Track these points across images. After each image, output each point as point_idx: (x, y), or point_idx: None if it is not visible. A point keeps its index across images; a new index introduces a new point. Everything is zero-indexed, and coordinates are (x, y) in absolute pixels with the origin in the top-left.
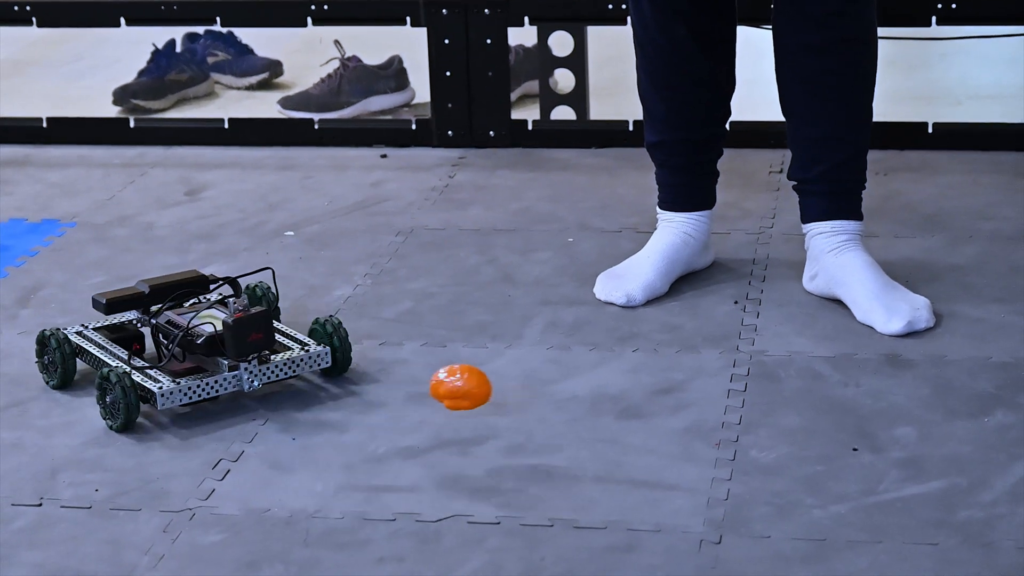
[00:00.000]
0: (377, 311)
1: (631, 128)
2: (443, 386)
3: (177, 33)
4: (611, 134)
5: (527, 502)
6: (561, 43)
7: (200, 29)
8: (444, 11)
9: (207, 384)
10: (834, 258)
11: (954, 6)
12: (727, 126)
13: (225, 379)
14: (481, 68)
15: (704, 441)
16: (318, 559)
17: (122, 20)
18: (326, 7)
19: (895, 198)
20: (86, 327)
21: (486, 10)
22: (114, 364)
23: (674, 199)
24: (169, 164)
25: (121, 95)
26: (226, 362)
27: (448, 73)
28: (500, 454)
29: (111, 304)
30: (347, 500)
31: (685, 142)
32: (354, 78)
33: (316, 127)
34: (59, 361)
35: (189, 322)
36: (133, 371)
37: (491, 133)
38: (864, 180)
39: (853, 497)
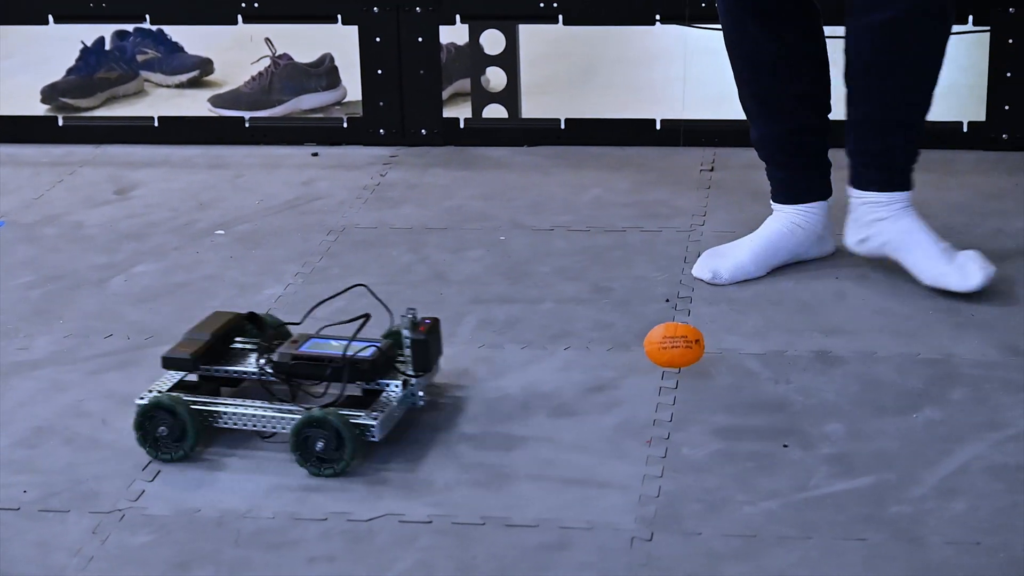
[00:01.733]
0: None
1: (563, 126)
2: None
3: (106, 31)
4: (543, 132)
5: (459, 500)
6: (493, 41)
7: (130, 27)
8: (376, 9)
9: (394, 409)
10: (891, 224)
11: None
12: (828, 117)
13: (405, 397)
14: (413, 66)
15: (636, 439)
16: (249, 559)
17: (50, 18)
18: (256, 5)
19: None
20: (160, 391)
21: (417, 8)
22: (310, 409)
23: (779, 192)
24: (98, 163)
25: (50, 93)
26: (393, 382)
27: (380, 71)
28: (432, 453)
29: (196, 358)
30: (278, 500)
31: (777, 136)
32: (285, 76)
33: (247, 125)
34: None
35: (346, 350)
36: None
37: (423, 131)
38: (918, 154)
39: (783, 493)
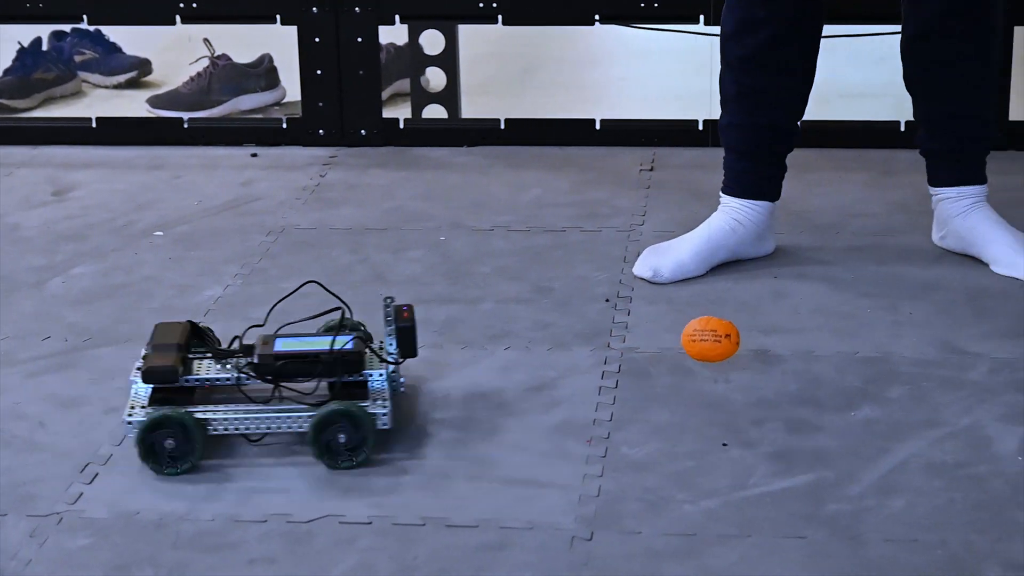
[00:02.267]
0: (248, 311)
1: (503, 126)
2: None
3: (43, 31)
4: (483, 132)
5: (399, 501)
6: (432, 41)
7: (67, 27)
8: (315, 9)
9: (384, 397)
10: (963, 220)
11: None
12: (799, 123)
13: (392, 384)
14: (352, 67)
15: (576, 438)
16: (188, 562)
17: None
18: (195, 5)
19: None
20: (151, 407)
21: (356, 8)
22: (335, 404)
23: (731, 182)
24: (36, 164)
25: None
26: (376, 371)
27: (319, 72)
28: (372, 453)
29: (177, 368)
30: (218, 502)
31: (749, 127)
32: (224, 77)
33: (186, 126)
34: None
35: (332, 345)
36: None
37: (362, 132)
38: (989, 147)
39: (723, 492)
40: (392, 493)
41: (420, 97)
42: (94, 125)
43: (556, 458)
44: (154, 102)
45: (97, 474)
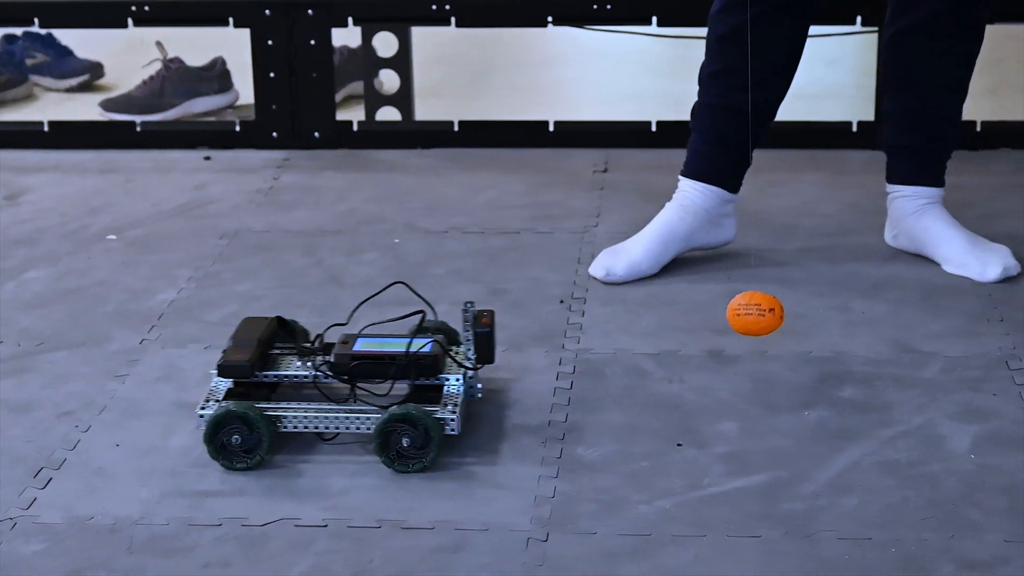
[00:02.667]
0: (202, 314)
1: (456, 128)
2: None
3: None
4: (437, 134)
5: (354, 504)
6: (385, 44)
7: (18, 31)
8: (267, 12)
9: (456, 402)
10: (916, 220)
11: None
12: (773, 116)
13: (466, 391)
14: (305, 69)
15: (531, 440)
16: (143, 566)
17: None
18: (147, 8)
19: None
20: (227, 404)
21: (310, 11)
22: (397, 407)
23: (688, 163)
24: None
25: None
26: (453, 376)
27: (272, 74)
28: (327, 456)
29: (253, 364)
30: (172, 506)
31: (719, 109)
32: (177, 80)
33: (138, 129)
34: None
35: (408, 346)
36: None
37: (316, 134)
38: (950, 153)
39: (678, 492)
40: (347, 495)
41: (374, 99)
42: (46, 129)
43: (511, 460)
44: (107, 105)
45: (51, 479)
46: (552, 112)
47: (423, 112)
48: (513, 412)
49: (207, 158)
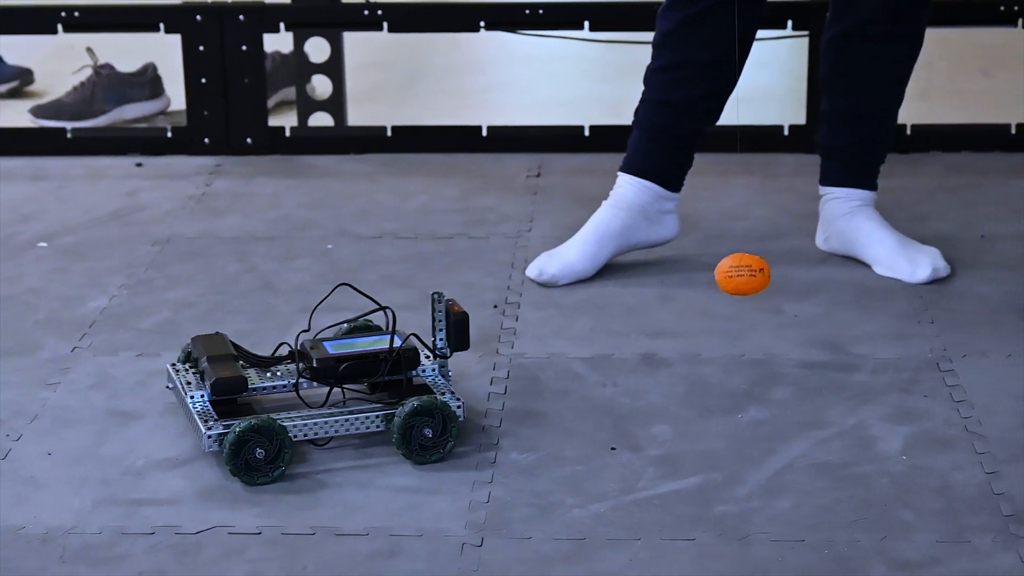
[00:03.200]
0: (134, 322)
1: (389, 134)
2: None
3: None
4: (369, 140)
5: (288, 511)
6: (318, 49)
7: None
8: (199, 17)
9: (452, 390)
10: (847, 221)
11: None
12: (714, 118)
13: (441, 377)
14: (237, 75)
15: (465, 444)
16: (76, 575)
17: None
18: (77, 14)
19: None
20: (233, 420)
21: (241, 16)
22: (415, 400)
23: (626, 159)
24: None
25: None
26: (429, 366)
27: (203, 80)
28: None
29: (239, 381)
30: (105, 515)
31: (660, 104)
32: (108, 86)
33: (69, 136)
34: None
35: (391, 342)
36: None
37: (248, 140)
38: (884, 155)
39: (612, 496)
40: (281, 503)
41: (306, 105)
42: None
43: (446, 465)
44: (37, 112)
45: None
46: (485, 117)
47: (356, 117)
48: None
49: (139, 164)
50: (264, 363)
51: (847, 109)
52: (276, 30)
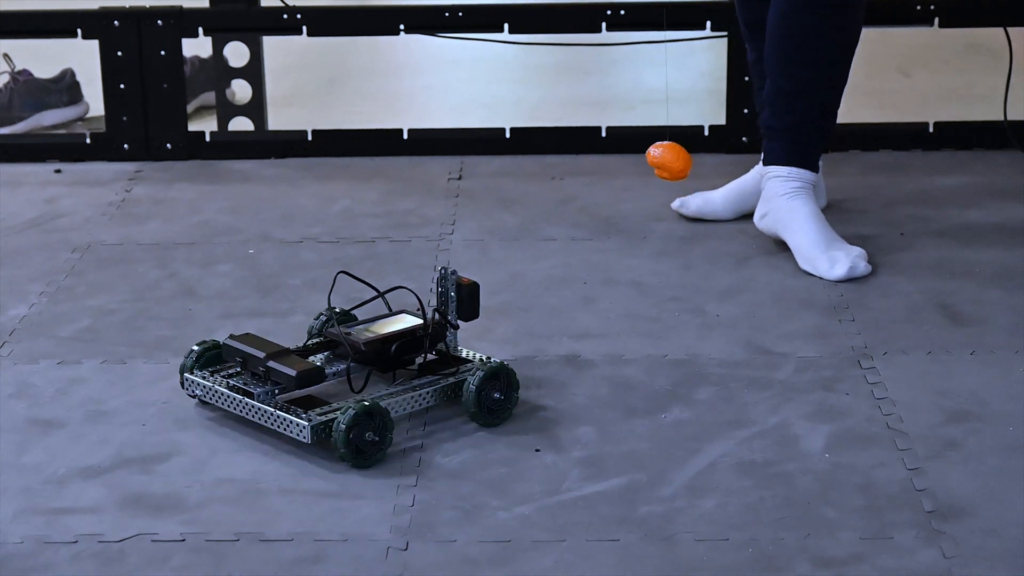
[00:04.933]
0: (54, 329)
1: (310, 138)
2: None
3: None
4: (290, 144)
5: (212, 517)
6: (237, 53)
7: None
8: (116, 23)
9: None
10: (786, 202)
11: (623, 12)
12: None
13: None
14: (156, 80)
15: (390, 448)
16: None
17: None
18: None
19: (571, 202)
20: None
21: (159, 21)
22: (483, 367)
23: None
24: None
25: None
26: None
27: (122, 86)
28: (183, 470)
29: (317, 372)
30: (27, 524)
31: (760, 88)
32: (25, 92)
33: None
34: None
35: (431, 316)
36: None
37: (168, 145)
38: (826, 138)
39: (537, 497)
40: (204, 508)
41: (226, 109)
42: None
43: (370, 469)
44: None
45: None
46: (406, 120)
47: (276, 122)
48: None
49: (58, 171)
50: (304, 353)
51: (784, 88)
52: (195, 35)
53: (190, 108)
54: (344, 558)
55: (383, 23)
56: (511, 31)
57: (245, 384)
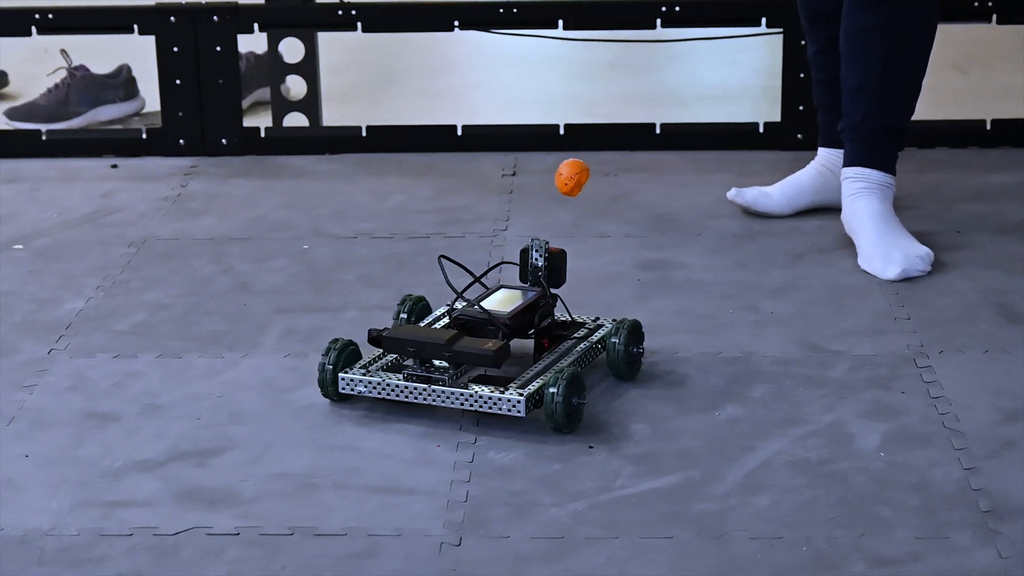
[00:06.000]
0: (110, 324)
1: (364, 134)
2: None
3: None
4: (344, 140)
5: (266, 511)
6: (292, 50)
7: None
8: (172, 19)
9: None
10: (850, 203)
11: (677, 9)
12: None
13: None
14: (211, 76)
15: (442, 444)
16: None
17: None
18: (51, 16)
19: (625, 198)
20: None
21: (215, 17)
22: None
23: (820, 134)
24: None
25: None
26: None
27: (178, 81)
28: (238, 464)
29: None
30: (83, 517)
31: (818, 82)
32: (82, 88)
33: (44, 138)
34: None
35: (548, 289)
36: None
37: (223, 141)
38: (897, 137)
39: (590, 494)
40: (258, 502)
41: (281, 105)
42: None
43: (423, 464)
44: (12, 114)
45: None
46: (460, 116)
47: (330, 118)
48: (424, 417)
49: (114, 166)
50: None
51: (845, 87)
52: (250, 31)
53: (245, 104)
54: (397, 553)
55: (438, 19)
56: (565, 27)
57: (427, 371)
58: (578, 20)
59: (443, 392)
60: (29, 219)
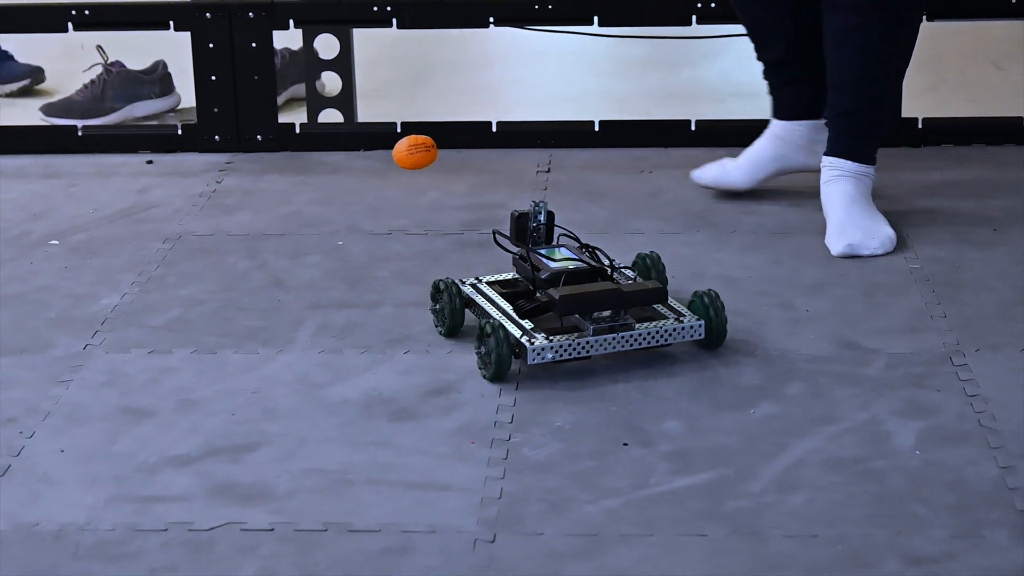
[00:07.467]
0: (145, 319)
1: (399, 129)
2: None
3: None
4: (379, 136)
5: (300, 507)
6: (327, 46)
7: None
8: (208, 15)
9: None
10: (825, 188)
11: (713, 5)
12: (801, 49)
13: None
14: (247, 72)
15: (477, 440)
16: (89, 572)
17: None
18: (87, 12)
19: (660, 195)
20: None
21: (250, 13)
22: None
23: (771, 106)
24: None
25: None
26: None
27: (213, 77)
28: (272, 460)
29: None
30: (118, 512)
31: (761, 58)
32: (118, 84)
33: (80, 134)
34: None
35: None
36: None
37: (258, 137)
38: (876, 132)
39: (624, 491)
40: (293, 498)
41: (316, 102)
42: None
43: (457, 461)
44: (48, 110)
45: None
46: (494, 112)
47: (365, 114)
48: (458, 413)
49: (149, 162)
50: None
51: (830, 81)
52: (285, 27)
53: (280, 100)
54: (431, 549)
55: (473, 15)
56: (600, 24)
57: (614, 323)
58: (613, 16)
59: (635, 336)
60: (65, 215)
